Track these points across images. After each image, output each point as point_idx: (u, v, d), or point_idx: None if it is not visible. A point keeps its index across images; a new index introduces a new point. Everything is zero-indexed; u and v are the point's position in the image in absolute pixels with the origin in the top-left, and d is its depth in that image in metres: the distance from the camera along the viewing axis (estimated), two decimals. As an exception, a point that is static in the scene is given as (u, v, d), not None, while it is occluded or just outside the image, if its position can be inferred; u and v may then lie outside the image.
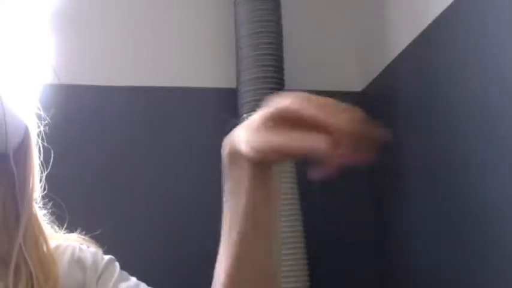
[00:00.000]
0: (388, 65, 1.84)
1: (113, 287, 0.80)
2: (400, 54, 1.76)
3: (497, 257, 1.29)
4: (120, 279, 0.81)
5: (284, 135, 0.58)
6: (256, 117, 0.62)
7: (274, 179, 0.67)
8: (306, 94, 0.59)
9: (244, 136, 0.63)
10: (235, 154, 0.64)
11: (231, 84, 1.90)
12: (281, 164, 0.67)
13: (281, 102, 0.60)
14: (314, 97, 0.58)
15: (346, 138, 0.54)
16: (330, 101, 0.58)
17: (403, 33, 1.75)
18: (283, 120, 0.59)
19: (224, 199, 0.68)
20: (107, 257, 0.85)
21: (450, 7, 1.48)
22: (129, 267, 0.86)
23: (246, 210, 0.65)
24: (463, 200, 1.43)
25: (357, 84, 2.02)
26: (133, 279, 0.82)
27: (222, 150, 0.67)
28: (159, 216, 1.77)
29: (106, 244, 0.90)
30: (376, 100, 1.90)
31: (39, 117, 0.86)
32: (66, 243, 0.85)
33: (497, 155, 1.29)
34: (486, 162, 1.33)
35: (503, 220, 1.27)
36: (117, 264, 0.85)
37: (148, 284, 0.83)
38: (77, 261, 0.82)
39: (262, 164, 0.64)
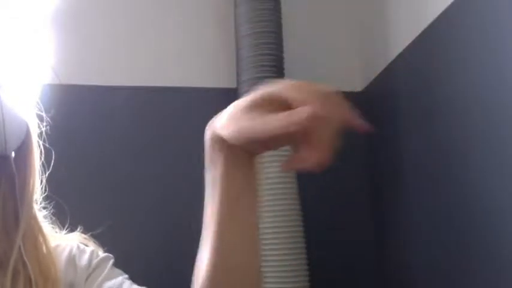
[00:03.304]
0: (388, 65, 1.84)
1: (98, 286, 0.80)
2: (400, 54, 1.76)
3: (498, 256, 1.29)
4: (107, 278, 0.81)
5: (265, 117, 0.56)
6: (238, 103, 0.60)
7: (254, 171, 0.64)
8: (297, 82, 0.57)
9: (226, 120, 0.61)
10: (217, 140, 0.63)
11: (231, 84, 1.90)
12: (262, 153, 0.64)
13: (266, 88, 0.58)
14: (305, 84, 0.57)
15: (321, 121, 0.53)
16: (321, 88, 0.56)
17: (403, 33, 1.75)
18: (266, 104, 0.57)
19: (205, 188, 0.65)
20: (102, 255, 0.84)
21: (450, 7, 1.48)
22: (130, 265, 0.86)
23: (222, 200, 0.63)
24: (463, 199, 1.43)
25: (357, 84, 2.02)
26: (120, 278, 0.81)
27: (205, 135, 0.65)
28: (160, 216, 1.77)
29: (106, 243, 0.90)
30: (376, 100, 1.90)
31: (39, 117, 0.86)
32: (65, 243, 0.85)
33: (497, 155, 1.29)
34: (486, 161, 1.33)
35: (503, 219, 1.27)
36: (110, 262, 0.84)
37: (148, 281, 0.83)
38: (72, 260, 0.82)
39: (242, 152, 0.62)
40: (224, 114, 0.62)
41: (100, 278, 0.80)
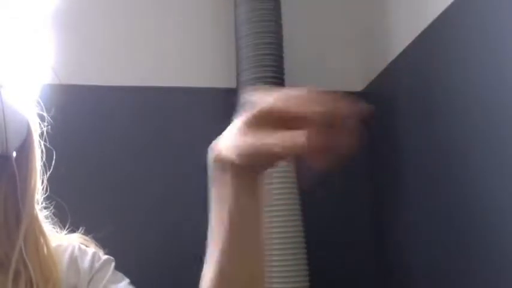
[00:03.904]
0: (388, 65, 1.84)
1: None
2: (400, 54, 1.76)
3: (498, 256, 1.29)
4: (111, 281, 0.81)
5: (266, 136, 0.56)
6: (239, 121, 0.60)
7: (261, 187, 0.64)
8: (287, 91, 0.57)
9: (229, 141, 0.61)
10: (222, 160, 0.62)
11: (231, 84, 1.90)
12: (270, 168, 0.64)
13: (263, 102, 0.57)
14: (295, 93, 0.56)
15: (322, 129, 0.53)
16: (314, 94, 0.55)
17: (403, 33, 1.75)
18: (266, 121, 0.57)
19: (210, 205, 0.66)
20: (104, 258, 0.84)
21: (450, 7, 1.48)
22: (130, 265, 0.86)
23: (231, 217, 0.62)
24: (463, 199, 1.43)
25: (357, 84, 2.02)
26: (124, 283, 0.81)
27: (208, 156, 0.64)
28: (160, 215, 1.78)
29: (106, 243, 0.90)
30: (376, 100, 1.90)
31: (40, 117, 0.86)
32: (67, 243, 0.85)
33: (497, 155, 1.29)
34: (486, 161, 1.33)
35: (503, 219, 1.27)
36: (112, 265, 0.84)
37: (148, 281, 0.83)
38: (74, 262, 0.82)
39: (248, 170, 0.62)
40: (226, 135, 0.62)
41: (104, 281, 0.80)
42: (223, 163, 0.62)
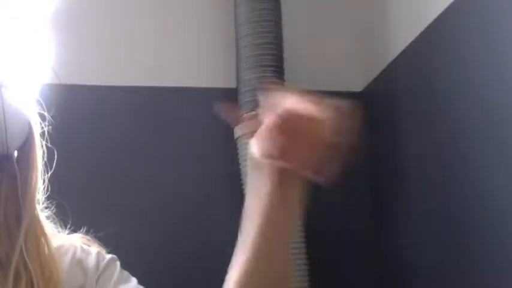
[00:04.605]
0: (388, 65, 1.84)
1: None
2: (400, 54, 1.76)
3: (498, 256, 1.29)
4: (120, 281, 0.81)
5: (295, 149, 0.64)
6: (268, 122, 0.65)
7: (295, 190, 0.70)
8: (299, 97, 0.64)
9: (263, 143, 0.66)
10: (258, 161, 0.67)
11: (231, 84, 1.90)
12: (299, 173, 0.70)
13: (283, 104, 0.64)
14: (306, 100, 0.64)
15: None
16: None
17: (403, 33, 1.75)
18: (289, 123, 0.63)
19: (246, 198, 0.70)
20: (108, 257, 0.84)
21: (450, 7, 1.48)
22: (130, 265, 0.86)
23: (264, 214, 0.66)
24: (463, 199, 1.43)
25: (357, 84, 2.01)
26: (134, 281, 0.82)
27: (248, 151, 0.69)
28: (161, 216, 1.77)
29: (107, 243, 0.90)
30: (376, 100, 1.90)
31: (42, 117, 0.86)
32: (69, 244, 0.85)
33: (498, 155, 1.29)
34: (486, 161, 1.33)
35: (503, 219, 1.27)
36: (118, 263, 0.84)
37: (148, 281, 0.83)
38: (78, 263, 0.82)
39: (283, 172, 0.66)
40: (259, 135, 0.67)
41: (112, 281, 0.80)
42: (260, 164, 0.67)
